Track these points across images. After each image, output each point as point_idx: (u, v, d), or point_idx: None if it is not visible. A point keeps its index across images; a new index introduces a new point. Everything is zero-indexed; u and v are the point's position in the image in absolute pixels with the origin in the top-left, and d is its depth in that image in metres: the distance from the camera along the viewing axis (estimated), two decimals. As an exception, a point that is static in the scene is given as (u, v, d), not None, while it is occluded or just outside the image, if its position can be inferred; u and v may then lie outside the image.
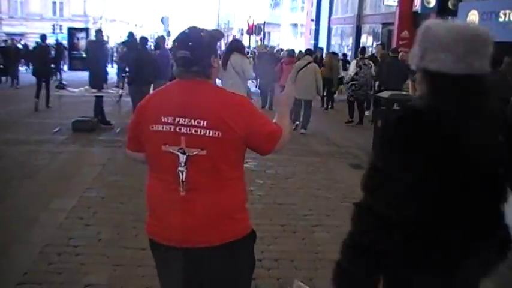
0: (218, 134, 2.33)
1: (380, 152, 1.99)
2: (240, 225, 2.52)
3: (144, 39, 11.51)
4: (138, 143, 2.52)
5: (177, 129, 2.34)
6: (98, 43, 11.66)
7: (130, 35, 12.07)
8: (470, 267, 2.02)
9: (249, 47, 31.48)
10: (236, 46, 9.01)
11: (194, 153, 2.34)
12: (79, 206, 6.09)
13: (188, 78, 2.43)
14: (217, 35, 2.68)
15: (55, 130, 10.61)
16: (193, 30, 2.47)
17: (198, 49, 2.40)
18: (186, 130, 2.34)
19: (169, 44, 16.89)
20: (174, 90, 2.50)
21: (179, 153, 2.35)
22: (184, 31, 2.47)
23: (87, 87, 11.23)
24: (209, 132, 2.33)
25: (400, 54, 13.31)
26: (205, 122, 2.33)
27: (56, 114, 11.31)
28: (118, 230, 5.41)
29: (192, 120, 2.33)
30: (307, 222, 5.88)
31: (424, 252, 1.94)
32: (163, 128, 2.36)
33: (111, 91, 11.21)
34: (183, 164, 2.36)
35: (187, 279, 2.52)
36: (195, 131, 2.33)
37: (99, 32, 11.76)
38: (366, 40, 27.03)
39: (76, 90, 11.01)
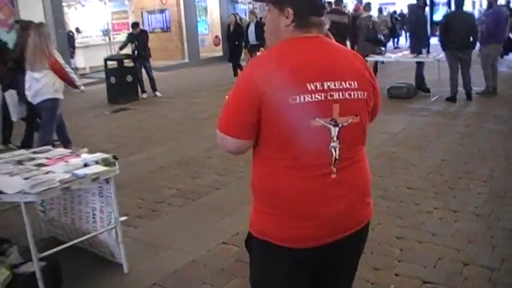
0: (365, 95, 1.99)
1: None
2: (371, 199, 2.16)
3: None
4: (251, 127, 1.90)
5: (329, 97, 1.89)
6: (420, 6, 10.89)
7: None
8: None
9: None
10: None
11: (349, 121, 1.94)
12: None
13: (314, 32, 2.00)
14: None
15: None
16: None
17: None
18: (339, 95, 1.91)
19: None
20: (301, 49, 1.95)
21: (331, 126, 1.91)
22: None
23: (405, 52, 10.71)
24: (361, 94, 1.97)
25: None
26: (355, 83, 1.95)
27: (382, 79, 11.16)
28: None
29: (343, 83, 1.92)
30: None
31: None
32: (312, 97, 1.86)
33: (429, 57, 10.34)
34: (335, 139, 1.92)
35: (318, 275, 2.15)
36: (349, 94, 1.93)
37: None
38: None
39: (392, 55, 10.59)
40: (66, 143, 7.15)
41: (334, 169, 1.92)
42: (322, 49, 1.97)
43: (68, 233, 4.24)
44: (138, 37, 12.47)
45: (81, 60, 18.75)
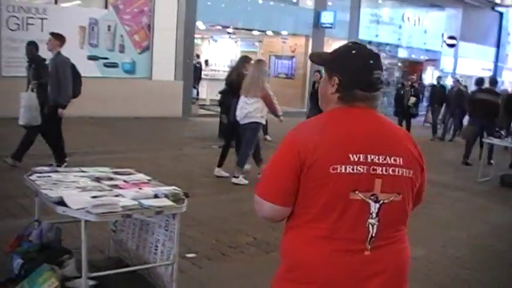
0: (410, 173, 1.91)
1: None
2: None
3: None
4: (291, 193, 1.88)
5: (372, 171, 1.84)
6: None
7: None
8: None
9: None
10: None
11: (390, 199, 1.87)
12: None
13: (360, 106, 1.94)
14: None
15: (482, 180, 9.77)
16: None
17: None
18: (383, 170, 1.85)
19: None
20: (347, 120, 1.93)
21: (371, 201, 1.84)
22: (367, 48, 2.02)
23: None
24: (405, 172, 1.90)
25: None
26: (401, 160, 1.89)
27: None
28: None
29: (388, 158, 1.87)
30: None
31: None
32: (353, 169, 1.82)
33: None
34: (374, 215, 1.86)
35: None
36: (393, 170, 1.87)
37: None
38: None
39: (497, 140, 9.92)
40: (258, 161, 8.26)
41: (369, 246, 1.85)
42: (370, 122, 1.92)
43: (132, 257, 4.22)
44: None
45: (204, 91, 19.52)
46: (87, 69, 13.60)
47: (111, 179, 3.98)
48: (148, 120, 13.44)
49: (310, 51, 19.46)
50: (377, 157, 1.84)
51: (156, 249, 3.88)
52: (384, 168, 1.84)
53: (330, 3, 19.27)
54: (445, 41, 23.66)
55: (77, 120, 12.44)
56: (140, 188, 3.73)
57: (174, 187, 3.81)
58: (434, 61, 24.01)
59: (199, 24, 16.37)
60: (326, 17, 18.68)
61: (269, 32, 19.15)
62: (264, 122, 8.26)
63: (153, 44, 14.66)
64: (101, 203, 3.18)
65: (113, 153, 8.89)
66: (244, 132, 7.91)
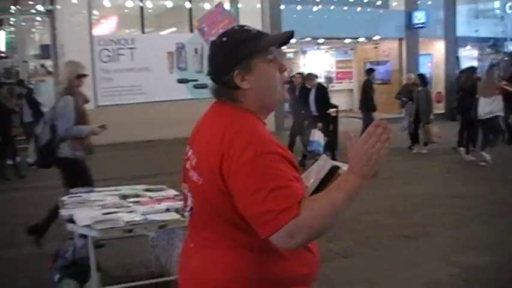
0: (199, 180, 1.71)
1: None
2: None
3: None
4: None
5: (187, 164, 1.82)
6: None
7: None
8: None
9: None
10: None
11: (190, 196, 1.82)
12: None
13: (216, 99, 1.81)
14: (243, 35, 1.72)
15: None
16: (223, 33, 1.77)
17: (213, 60, 1.77)
18: (188, 166, 1.81)
19: None
20: (203, 115, 1.88)
21: (189, 195, 1.82)
22: None
23: None
24: (194, 175, 1.74)
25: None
26: (194, 161, 1.76)
27: None
28: None
29: (192, 153, 1.80)
30: None
31: None
32: (185, 162, 1.86)
33: None
34: (188, 209, 1.83)
35: None
36: (189, 168, 1.81)
37: None
38: None
39: None
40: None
41: (191, 239, 1.82)
42: (204, 115, 1.84)
43: (166, 270, 4.32)
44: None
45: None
46: (177, 92, 14.28)
47: (138, 195, 4.12)
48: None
49: (405, 54, 18.84)
50: (190, 151, 1.79)
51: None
52: (188, 163, 1.80)
53: (419, 3, 18.54)
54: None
55: (173, 141, 13.00)
56: (159, 204, 3.82)
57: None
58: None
59: (288, 38, 16.40)
60: (418, 17, 17.99)
61: (361, 39, 18.78)
62: (502, 114, 10.00)
63: (241, 61, 14.96)
64: (104, 218, 3.32)
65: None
66: (489, 125, 9.71)
